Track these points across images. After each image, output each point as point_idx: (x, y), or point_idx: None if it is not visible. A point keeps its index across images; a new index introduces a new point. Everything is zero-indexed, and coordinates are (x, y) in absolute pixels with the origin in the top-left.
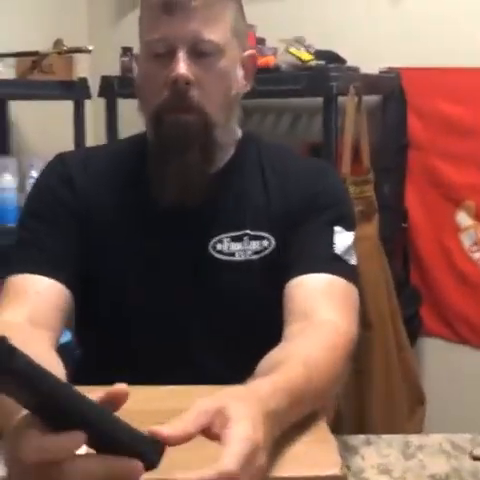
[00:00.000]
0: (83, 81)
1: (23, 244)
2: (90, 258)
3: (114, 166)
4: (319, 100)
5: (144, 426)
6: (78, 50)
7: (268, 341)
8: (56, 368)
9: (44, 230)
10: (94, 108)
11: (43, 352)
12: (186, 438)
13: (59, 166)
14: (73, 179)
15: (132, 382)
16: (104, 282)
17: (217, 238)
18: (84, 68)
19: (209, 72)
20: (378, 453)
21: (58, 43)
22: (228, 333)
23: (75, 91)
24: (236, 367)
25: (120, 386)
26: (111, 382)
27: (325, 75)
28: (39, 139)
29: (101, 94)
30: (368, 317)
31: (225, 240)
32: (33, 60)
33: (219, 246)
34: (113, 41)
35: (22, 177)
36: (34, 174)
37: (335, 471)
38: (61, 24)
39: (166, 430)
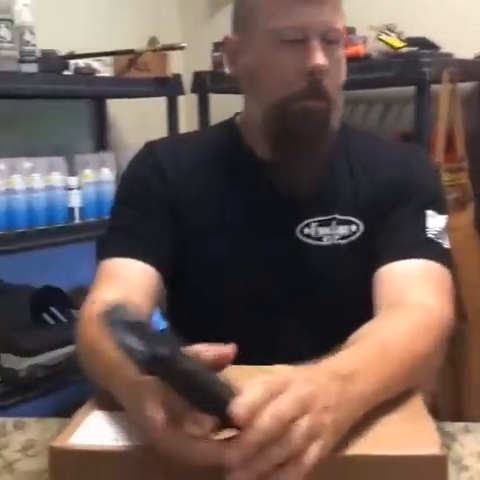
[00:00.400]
0: (177, 77)
1: (114, 230)
2: (183, 245)
3: (206, 155)
4: (411, 89)
5: None
6: (172, 47)
7: (357, 326)
8: None
9: (135, 217)
10: (187, 103)
11: None
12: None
13: (150, 157)
14: (165, 171)
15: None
16: (199, 268)
17: (305, 222)
18: (177, 64)
19: (333, 60)
20: (477, 441)
21: (153, 41)
22: (314, 317)
23: (169, 87)
24: (325, 351)
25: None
26: None
27: (417, 61)
28: (135, 135)
29: (194, 90)
30: (464, 309)
31: (313, 224)
32: (129, 58)
33: (306, 230)
34: (205, 37)
35: (119, 171)
36: None
37: (435, 451)
38: (154, 21)
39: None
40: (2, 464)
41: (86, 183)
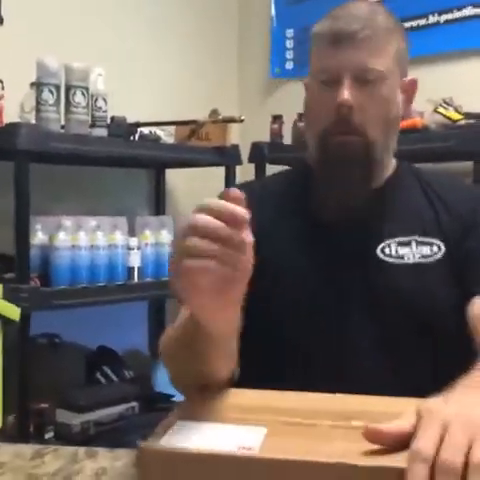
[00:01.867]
0: (235, 148)
1: None
2: (262, 280)
3: (280, 192)
4: (470, 164)
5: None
6: (232, 120)
7: (439, 348)
8: None
9: None
10: (242, 173)
11: None
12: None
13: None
14: (252, 208)
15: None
16: (276, 300)
17: (385, 243)
18: (235, 135)
19: (371, 98)
20: None
21: (214, 113)
22: (395, 334)
23: (228, 157)
24: (403, 373)
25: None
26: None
27: (477, 133)
28: (191, 202)
29: (251, 160)
30: None
31: (393, 245)
32: (191, 128)
33: (387, 250)
34: (262, 109)
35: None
36: None
37: None
38: (215, 93)
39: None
40: None
41: (145, 244)
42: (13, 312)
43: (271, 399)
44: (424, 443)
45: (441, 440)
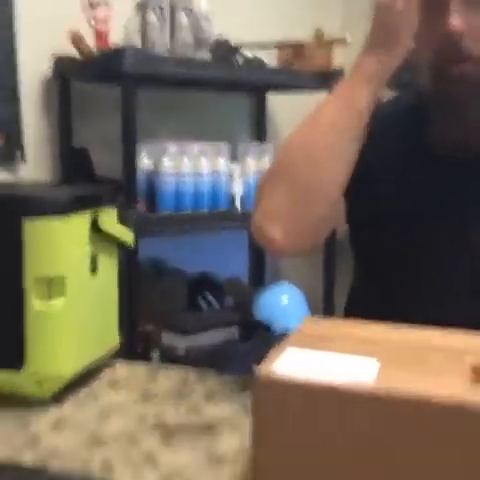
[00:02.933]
0: (340, 71)
1: None
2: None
3: (401, 112)
4: None
5: None
6: (337, 41)
7: None
8: None
9: None
10: None
11: None
12: None
13: None
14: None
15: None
16: (388, 224)
17: None
18: (340, 57)
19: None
20: None
21: (318, 33)
22: None
23: (332, 81)
24: None
25: None
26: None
27: None
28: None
29: None
30: None
31: None
32: (295, 50)
33: None
34: (366, 30)
35: None
36: None
37: None
38: (318, 13)
39: None
40: (187, 408)
41: (248, 171)
42: (128, 236)
43: (384, 331)
44: None
45: None
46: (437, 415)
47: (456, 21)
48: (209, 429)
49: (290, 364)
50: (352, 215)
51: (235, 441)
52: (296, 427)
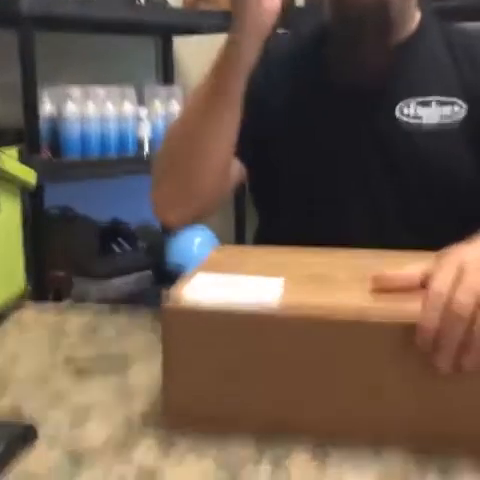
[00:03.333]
0: None
1: None
2: (271, 133)
3: (293, 50)
4: None
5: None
6: None
7: (463, 219)
8: None
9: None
10: None
11: None
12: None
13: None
14: (268, 54)
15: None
16: (288, 154)
17: (403, 102)
18: None
19: None
20: None
21: None
22: (411, 192)
23: None
24: (429, 242)
25: None
26: None
27: None
28: (200, 71)
29: None
30: None
31: (411, 105)
32: None
33: (406, 110)
34: None
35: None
36: None
37: None
38: None
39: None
40: (99, 343)
41: (155, 115)
42: (29, 175)
43: (289, 254)
44: (439, 282)
45: (457, 281)
46: (333, 327)
47: None
48: (121, 363)
49: (198, 288)
50: (250, 167)
51: (146, 374)
52: (205, 351)
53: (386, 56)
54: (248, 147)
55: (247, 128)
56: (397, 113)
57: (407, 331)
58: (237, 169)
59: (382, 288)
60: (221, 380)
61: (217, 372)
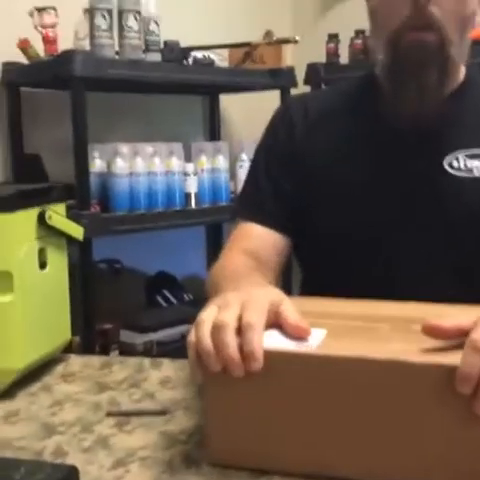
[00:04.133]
0: (290, 70)
1: (245, 193)
2: (312, 195)
3: (338, 102)
4: None
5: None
6: (287, 40)
7: None
8: None
9: (263, 180)
10: None
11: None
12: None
13: (282, 114)
14: (294, 125)
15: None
16: (331, 212)
17: (452, 155)
18: (290, 57)
19: None
20: None
21: (268, 34)
22: (464, 246)
23: (283, 79)
24: (470, 285)
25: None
26: None
27: None
28: (246, 127)
29: (307, 81)
30: None
31: (461, 158)
32: (245, 51)
33: (455, 163)
34: (317, 29)
35: (233, 161)
36: (244, 157)
37: None
38: (268, 14)
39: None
40: (142, 393)
41: (202, 169)
42: (77, 231)
43: (332, 305)
44: None
45: None
46: (372, 367)
47: None
48: (162, 413)
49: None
50: (294, 235)
51: (187, 421)
52: (243, 395)
53: (441, 102)
54: (290, 219)
55: (289, 200)
56: (446, 167)
57: (448, 374)
58: (285, 244)
59: (432, 335)
60: (260, 424)
61: (255, 416)
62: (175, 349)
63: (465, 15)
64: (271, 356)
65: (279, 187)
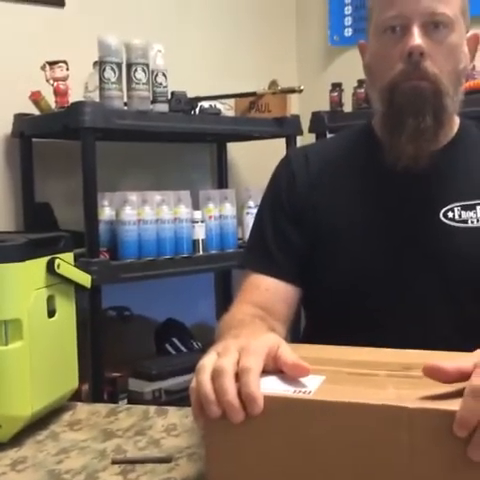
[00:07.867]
0: (295, 118)
1: (253, 244)
2: (320, 243)
3: (334, 153)
4: None
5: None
6: (292, 90)
7: None
8: None
9: (270, 232)
10: (303, 143)
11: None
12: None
13: (283, 167)
14: (295, 177)
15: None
16: (337, 258)
17: (448, 207)
18: (295, 105)
19: (441, 45)
20: None
21: (273, 84)
22: (459, 297)
23: (288, 127)
24: (467, 334)
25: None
26: None
27: None
28: (253, 175)
29: (312, 130)
30: None
31: (456, 209)
32: (251, 100)
33: (450, 214)
34: (322, 78)
35: (240, 208)
36: (251, 203)
37: None
38: (273, 64)
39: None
40: (147, 441)
41: (209, 217)
42: (85, 279)
43: (331, 352)
44: None
45: None
46: (367, 411)
47: (418, 41)
48: (166, 460)
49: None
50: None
51: (190, 468)
52: (244, 440)
53: (436, 150)
54: (298, 270)
55: (296, 251)
56: (442, 218)
57: (445, 418)
58: (295, 295)
59: (434, 377)
60: (261, 469)
61: (256, 461)
62: (184, 397)
63: (458, 69)
64: (269, 401)
65: (286, 239)
